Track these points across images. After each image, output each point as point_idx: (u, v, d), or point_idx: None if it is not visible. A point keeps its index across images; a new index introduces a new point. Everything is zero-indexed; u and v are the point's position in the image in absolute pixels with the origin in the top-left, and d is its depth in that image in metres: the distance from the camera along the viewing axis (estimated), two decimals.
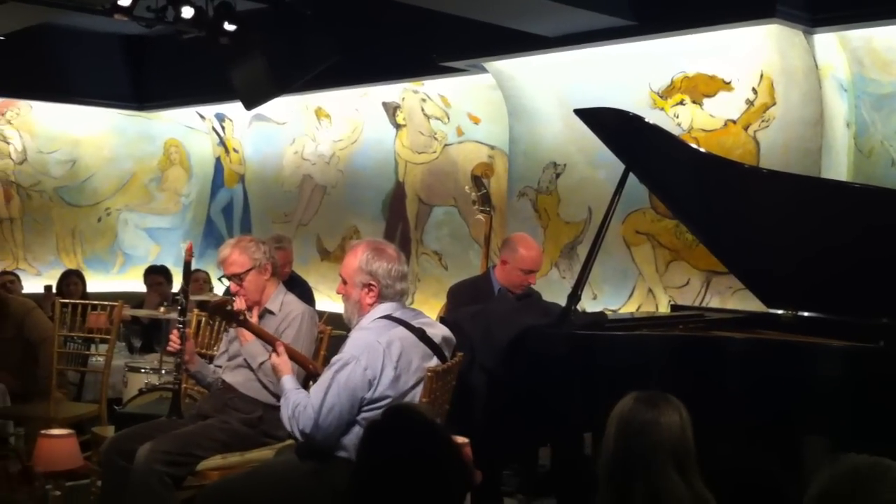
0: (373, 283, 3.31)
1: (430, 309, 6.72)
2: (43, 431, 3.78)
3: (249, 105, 7.07)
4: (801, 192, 4.04)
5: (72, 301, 5.75)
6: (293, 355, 3.57)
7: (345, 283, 3.38)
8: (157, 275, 7.41)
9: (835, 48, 5.26)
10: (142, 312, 6.35)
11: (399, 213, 7.83)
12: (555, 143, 6.37)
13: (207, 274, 7.41)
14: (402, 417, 2.41)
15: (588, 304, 5.75)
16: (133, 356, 6.39)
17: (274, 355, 3.46)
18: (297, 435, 3.22)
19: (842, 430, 3.60)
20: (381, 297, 3.34)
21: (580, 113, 4.33)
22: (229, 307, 3.62)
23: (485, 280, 4.97)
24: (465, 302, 4.72)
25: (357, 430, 3.18)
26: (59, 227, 9.41)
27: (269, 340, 3.55)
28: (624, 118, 4.19)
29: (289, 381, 3.35)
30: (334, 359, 3.25)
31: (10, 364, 5.60)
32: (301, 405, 3.18)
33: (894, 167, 5.23)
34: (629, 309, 5.98)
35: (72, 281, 7.49)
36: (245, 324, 3.63)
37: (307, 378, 3.66)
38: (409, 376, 3.26)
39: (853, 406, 3.61)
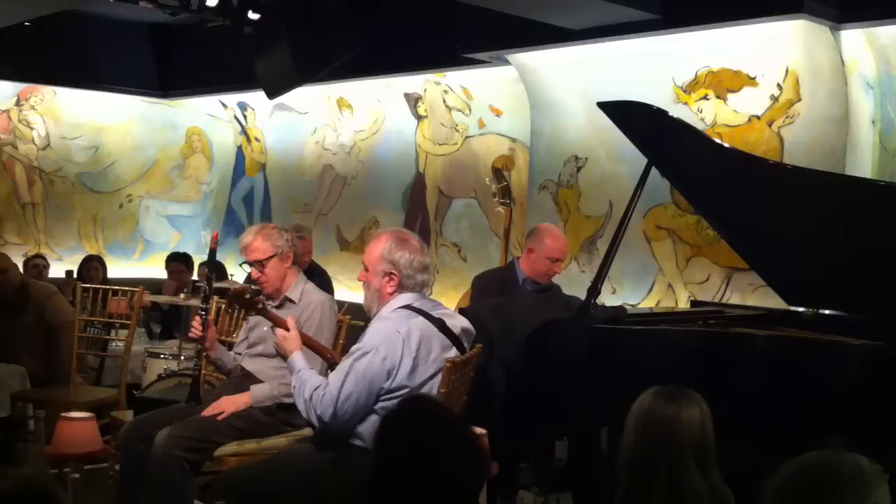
0: (394, 272, 3.32)
1: (448, 300, 6.72)
2: (63, 414, 3.80)
3: (272, 94, 7.08)
4: (824, 190, 4.01)
5: (92, 286, 5.78)
6: (311, 345, 3.58)
7: (366, 270, 3.39)
8: (178, 262, 7.44)
9: (862, 45, 5.21)
10: (162, 299, 6.38)
11: (419, 204, 7.83)
12: (577, 137, 6.35)
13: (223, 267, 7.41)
14: (419, 408, 2.42)
15: (607, 299, 5.73)
16: (152, 342, 6.43)
17: (282, 331, 3.46)
18: (314, 420, 3.24)
19: (861, 430, 3.57)
20: (401, 287, 3.34)
21: (603, 106, 4.31)
22: (248, 295, 3.63)
23: (509, 271, 4.97)
24: (490, 292, 4.73)
25: (374, 419, 3.19)
26: (80, 213, 9.47)
27: (285, 327, 3.56)
28: (647, 112, 4.17)
29: (299, 360, 3.35)
30: (354, 347, 3.26)
31: (31, 348, 5.65)
32: (319, 390, 3.19)
33: None
34: (648, 304, 5.96)
35: (93, 266, 7.54)
36: (263, 311, 3.63)
37: (326, 368, 3.68)
38: (428, 367, 3.27)
39: (874, 406, 3.58)
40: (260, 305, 3.56)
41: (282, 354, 3.48)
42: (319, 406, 3.18)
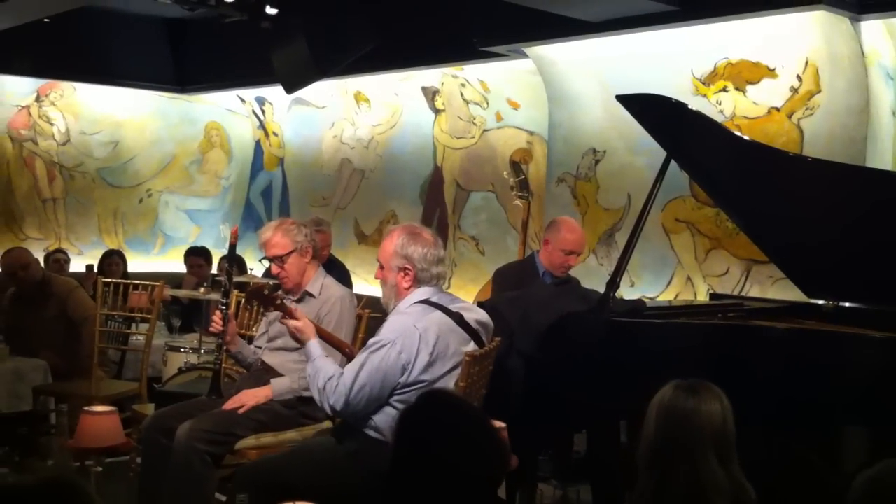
0: (408, 266, 3.33)
1: (466, 294, 6.73)
2: (86, 408, 3.83)
3: (290, 89, 7.10)
4: (845, 182, 3.99)
5: (113, 281, 5.82)
6: (330, 340, 3.59)
7: (382, 267, 3.40)
8: (197, 256, 7.48)
9: (882, 35, 5.18)
10: (182, 293, 6.41)
11: (437, 197, 7.83)
12: (595, 130, 6.33)
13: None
14: (437, 401, 2.42)
15: (626, 292, 5.73)
16: (172, 336, 6.46)
17: (293, 322, 3.44)
18: (326, 409, 3.28)
19: (882, 422, 3.56)
20: (417, 281, 3.35)
21: (622, 99, 4.30)
22: (267, 290, 3.64)
23: (529, 264, 4.99)
24: (511, 285, 4.74)
25: (392, 413, 3.21)
26: (100, 208, 9.53)
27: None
28: (666, 105, 4.15)
29: (316, 347, 3.37)
30: (371, 340, 3.28)
31: (53, 342, 5.70)
32: (333, 380, 3.22)
33: None
34: (667, 297, 5.94)
35: (113, 261, 7.59)
36: (282, 307, 3.64)
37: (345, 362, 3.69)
38: (446, 361, 3.27)
39: (894, 398, 3.57)
40: (279, 301, 3.57)
41: (299, 343, 3.49)
42: (332, 396, 3.21)
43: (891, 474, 1.82)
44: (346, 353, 3.65)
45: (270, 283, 3.84)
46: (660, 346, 4.00)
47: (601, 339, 4.07)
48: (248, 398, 3.81)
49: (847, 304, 4.33)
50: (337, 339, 3.68)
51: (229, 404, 3.81)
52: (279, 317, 4.04)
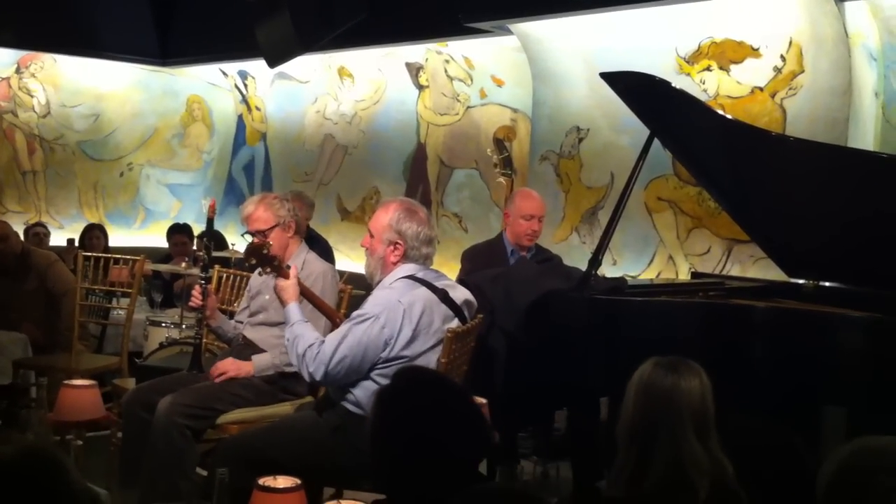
0: (399, 242, 3.34)
1: (448, 271, 6.68)
2: (66, 382, 3.81)
3: (273, 63, 7.05)
4: (827, 162, 4.01)
5: (94, 254, 5.79)
6: (322, 307, 3.60)
7: (371, 236, 3.41)
8: (181, 234, 7.44)
9: (866, 16, 5.18)
10: (163, 267, 6.39)
11: (420, 174, 7.82)
12: (579, 108, 6.32)
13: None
14: (416, 379, 2.42)
15: (608, 270, 5.74)
16: (153, 310, 6.44)
17: (281, 279, 3.46)
18: (305, 375, 3.30)
19: (861, 402, 3.59)
20: (405, 258, 3.36)
21: (606, 77, 4.30)
22: (266, 251, 3.61)
23: (498, 243, 4.97)
24: (480, 265, 4.72)
25: (373, 388, 3.21)
26: (81, 181, 9.46)
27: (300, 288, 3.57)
28: (650, 83, 4.15)
29: (295, 311, 3.38)
30: (355, 313, 3.29)
31: (33, 315, 5.67)
32: (314, 348, 3.24)
33: None
34: (649, 275, 5.97)
35: (94, 235, 7.55)
36: (279, 269, 3.62)
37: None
38: (429, 337, 3.29)
39: (873, 378, 3.60)
40: (276, 262, 3.56)
41: (281, 302, 3.49)
42: (312, 364, 3.23)
43: (862, 453, 1.84)
44: (336, 323, 3.65)
45: (270, 243, 3.78)
46: (640, 324, 4.02)
47: (583, 316, 4.09)
48: (230, 366, 3.81)
49: (827, 284, 4.36)
50: (328, 308, 3.69)
51: (212, 371, 3.82)
52: (261, 290, 4.05)
